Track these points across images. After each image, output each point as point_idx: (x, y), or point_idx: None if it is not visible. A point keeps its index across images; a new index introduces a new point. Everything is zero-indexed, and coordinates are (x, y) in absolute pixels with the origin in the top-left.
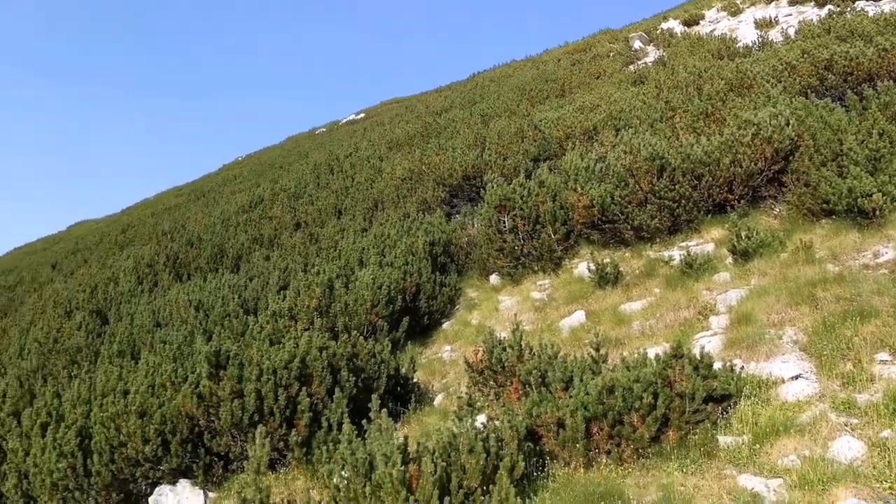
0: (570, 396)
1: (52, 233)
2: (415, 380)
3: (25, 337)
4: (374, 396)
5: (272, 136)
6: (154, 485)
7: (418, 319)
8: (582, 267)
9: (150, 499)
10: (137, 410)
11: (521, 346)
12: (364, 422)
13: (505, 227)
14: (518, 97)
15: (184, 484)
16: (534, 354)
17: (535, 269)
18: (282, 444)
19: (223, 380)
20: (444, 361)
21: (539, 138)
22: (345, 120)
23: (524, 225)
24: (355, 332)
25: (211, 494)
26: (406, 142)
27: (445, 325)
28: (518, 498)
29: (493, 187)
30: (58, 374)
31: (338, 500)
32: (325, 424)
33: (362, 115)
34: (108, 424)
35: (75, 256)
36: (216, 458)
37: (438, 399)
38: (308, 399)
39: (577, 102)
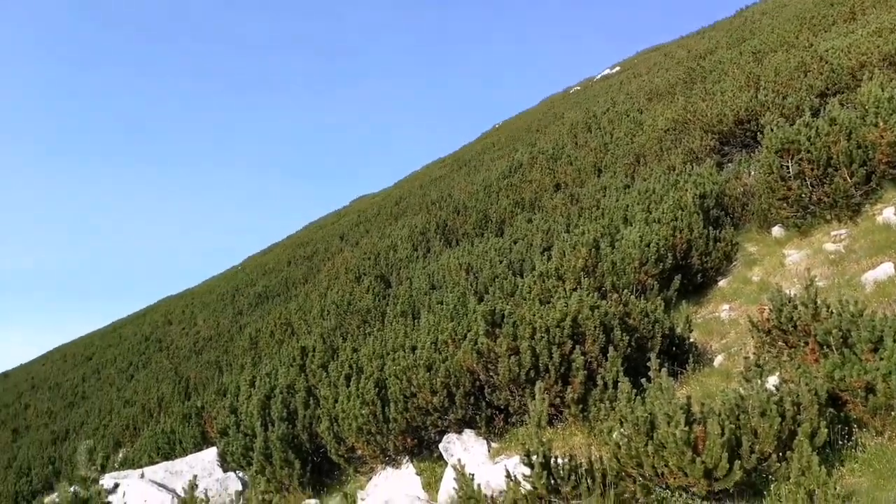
0: (881, 359)
1: (338, 208)
2: (691, 340)
3: (324, 300)
4: (651, 355)
5: (526, 101)
6: (442, 433)
7: (691, 277)
8: (888, 213)
9: (440, 445)
10: (425, 364)
11: (816, 302)
12: (642, 381)
13: (789, 173)
14: (797, 27)
15: (468, 433)
16: (832, 312)
17: (828, 217)
18: (558, 400)
19: (499, 337)
20: (722, 321)
21: (826, 70)
22: (599, 76)
23: (812, 169)
24: (625, 291)
25: (493, 444)
26: (667, 91)
27: (722, 283)
28: (821, 467)
29: (772, 130)
30: (353, 331)
31: (618, 457)
32: (599, 383)
33: (617, 68)
34: (400, 376)
35: (358, 228)
36: (496, 411)
37: (718, 360)
38: (582, 357)
39: (872, 25)
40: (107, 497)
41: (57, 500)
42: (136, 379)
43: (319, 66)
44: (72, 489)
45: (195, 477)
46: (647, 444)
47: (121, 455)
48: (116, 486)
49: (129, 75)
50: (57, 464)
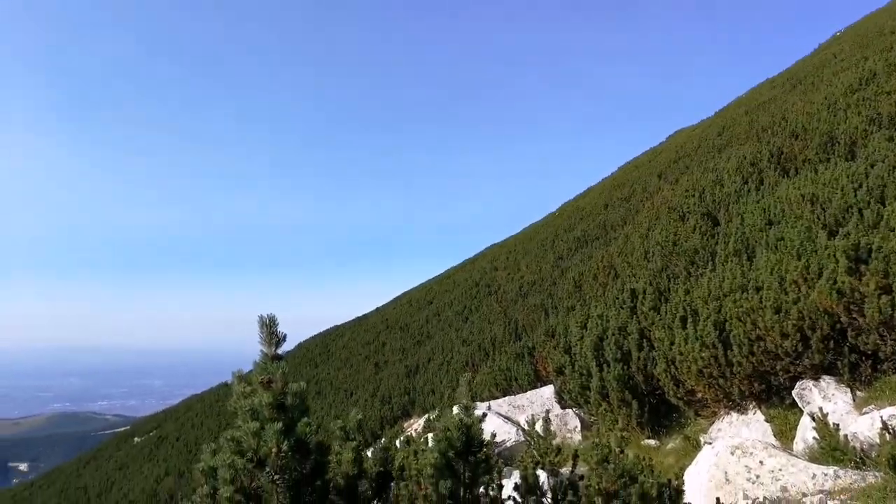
0: None
1: (653, 145)
2: None
3: (646, 241)
4: None
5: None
6: (794, 379)
7: None
8: None
9: (793, 392)
10: (772, 306)
11: None
12: None
13: None
14: None
15: (827, 380)
16: None
17: None
18: None
19: (865, 275)
20: None
21: None
22: None
23: None
24: None
25: (859, 393)
26: None
27: None
28: None
29: None
30: (680, 273)
31: None
32: None
33: None
34: (743, 319)
35: (677, 164)
36: (862, 357)
37: None
38: None
39: None
40: (479, 424)
41: (436, 423)
42: (471, 321)
43: None
44: (455, 412)
45: (547, 412)
46: None
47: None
48: (485, 415)
49: None
50: (412, 394)
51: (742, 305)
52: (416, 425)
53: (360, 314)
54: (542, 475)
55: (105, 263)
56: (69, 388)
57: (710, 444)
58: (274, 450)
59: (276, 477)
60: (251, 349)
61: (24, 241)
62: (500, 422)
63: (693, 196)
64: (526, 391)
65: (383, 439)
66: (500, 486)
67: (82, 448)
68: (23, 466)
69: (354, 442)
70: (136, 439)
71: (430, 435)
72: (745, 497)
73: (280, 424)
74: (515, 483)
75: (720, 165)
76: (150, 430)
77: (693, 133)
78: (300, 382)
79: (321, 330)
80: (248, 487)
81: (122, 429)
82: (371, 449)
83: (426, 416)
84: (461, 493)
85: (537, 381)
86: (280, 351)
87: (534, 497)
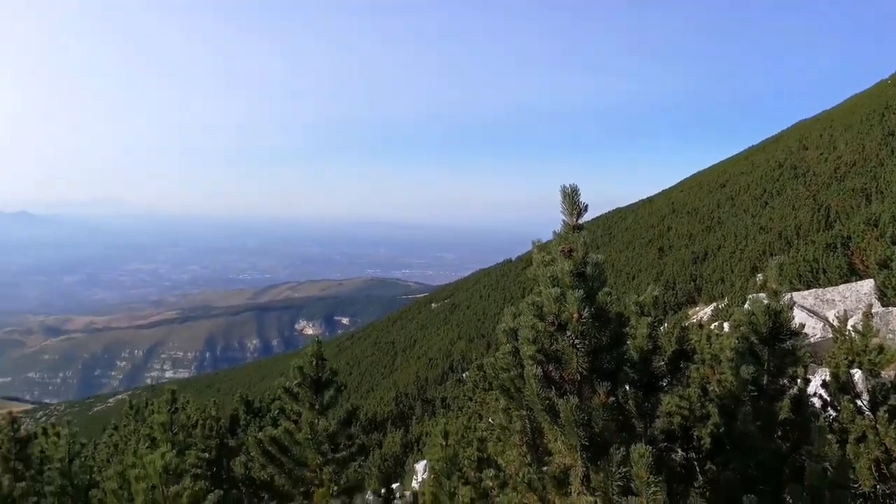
0: None
1: None
2: None
3: None
4: None
5: None
6: None
7: None
8: None
9: None
10: None
11: None
12: None
13: None
14: None
15: None
16: None
17: None
18: None
19: None
20: None
21: None
22: None
23: None
24: None
25: None
26: None
27: None
28: None
29: None
30: None
31: None
32: None
33: None
34: None
35: None
36: None
37: None
38: None
39: None
40: (789, 311)
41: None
42: (771, 206)
43: None
44: (762, 298)
45: (869, 306)
46: None
47: (758, 279)
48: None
49: None
50: (698, 281)
51: None
52: (702, 313)
53: (643, 196)
54: (858, 375)
55: (420, 144)
56: (378, 256)
57: None
58: (575, 315)
59: (577, 341)
60: (529, 230)
61: (355, 123)
62: (805, 315)
63: None
64: (837, 285)
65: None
66: (807, 381)
67: (390, 309)
68: (345, 320)
69: (649, 318)
70: (433, 305)
71: (725, 323)
72: None
73: (581, 292)
74: (823, 380)
75: None
76: (445, 298)
77: None
78: (598, 254)
79: (601, 213)
80: (548, 349)
81: (422, 295)
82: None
83: (713, 304)
84: (763, 381)
85: (851, 275)
86: (580, 221)
87: (847, 396)
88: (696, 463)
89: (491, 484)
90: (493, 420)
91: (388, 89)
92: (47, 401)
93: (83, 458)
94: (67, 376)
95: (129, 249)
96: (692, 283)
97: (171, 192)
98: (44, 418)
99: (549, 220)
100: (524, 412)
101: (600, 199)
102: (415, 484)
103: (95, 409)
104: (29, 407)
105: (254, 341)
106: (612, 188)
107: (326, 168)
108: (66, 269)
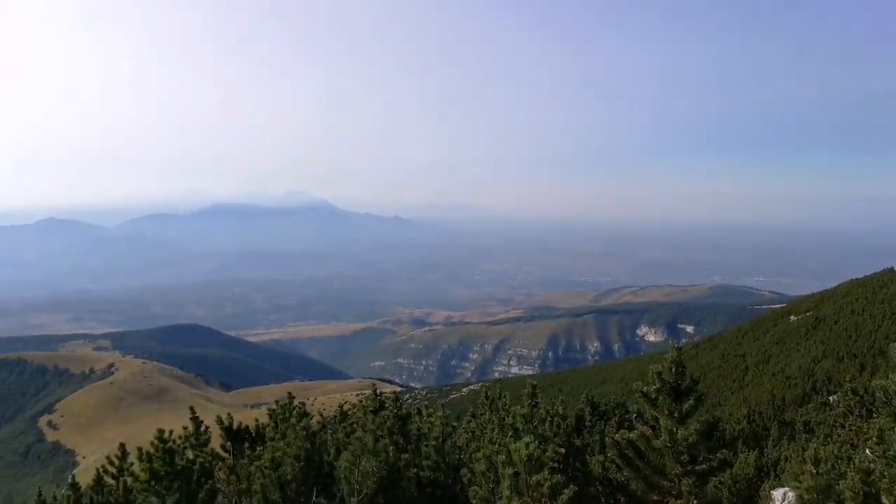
0: None
1: None
2: None
3: None
4: None
5: None
6: None
7: None
8: None
9: None
10: None
11: None
12: None
13: None
14: None
15: None
16: None
17: None
18: None
19: None
20: None
21: None
22: None
23: None
24: None
25: None
26: None
27: None
28: None
29: None
30: None
31: None
32: None
33: None
34: None
35: None
36: None
37: None
38: None
39: None
40: None
41: None
42: None
43: None
44: None
45: None
46: None
47: None
48: None
49: None
50: None
51: None
52: None
53: None
54: None
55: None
56: (728, 262)
57: None
58: None
59: None
60: None
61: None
62: None
63: None
64: None
65: None
66: None
67: (739, 318)
68: (689, 328)
69: None
70: (791, 317)
71: None
72: None
73: None
74: None
75: None
76: (807, 311)
77: None
78: None
79: None
80: None
81: (778, 305)
82: None
83: None
84: None
85: None
86: None
87: None
88: None
89: None
90: (870, 451)
91: (764, 82)
92: (413, 384)
93: (453, 440)
94: (429, 364)
95: (481, 251)
96: None
97: (518, 196)
98: (409, 401)
99: None
100: None
101: None
102: None
103: (451, 396)
104: (399, 389)
105: (594, 344)
106: None
107: (681, 168)
108: (429, 267)
